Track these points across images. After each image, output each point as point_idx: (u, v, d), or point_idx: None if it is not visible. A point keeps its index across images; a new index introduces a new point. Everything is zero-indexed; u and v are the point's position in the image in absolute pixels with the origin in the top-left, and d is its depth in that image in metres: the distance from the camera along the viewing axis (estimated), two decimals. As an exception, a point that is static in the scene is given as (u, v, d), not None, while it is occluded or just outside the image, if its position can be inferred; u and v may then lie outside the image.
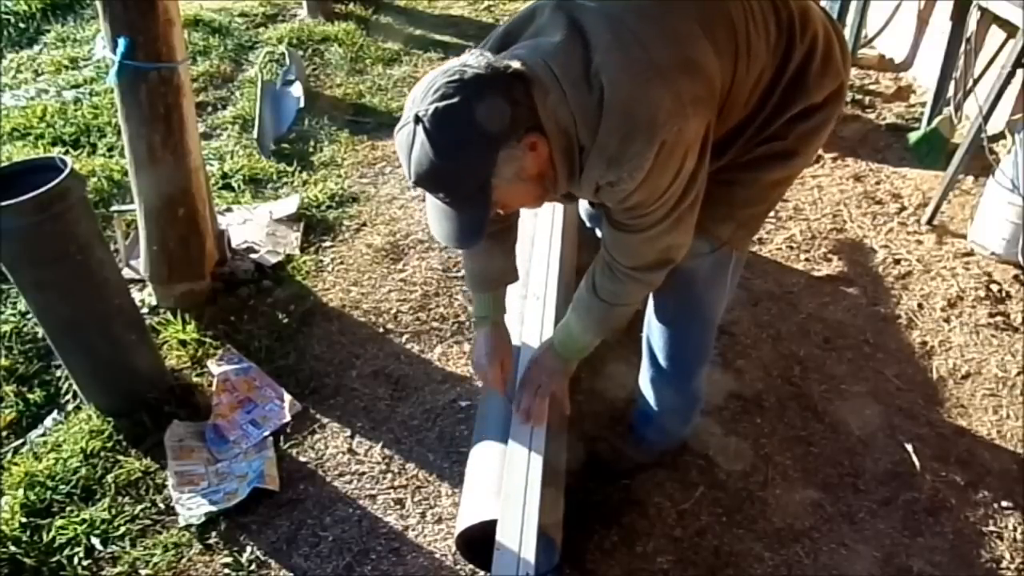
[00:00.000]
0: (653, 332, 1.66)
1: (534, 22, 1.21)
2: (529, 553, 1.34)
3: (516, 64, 1.11)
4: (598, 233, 2.19)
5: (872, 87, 3.61)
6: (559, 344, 1.57)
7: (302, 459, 1.93)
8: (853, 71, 3.64)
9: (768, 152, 1.36)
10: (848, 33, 3.56)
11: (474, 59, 1.11)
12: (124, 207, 2.40)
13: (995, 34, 2.92)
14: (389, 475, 1.89)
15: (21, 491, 1.79)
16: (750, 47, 1.23)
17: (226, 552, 1.71)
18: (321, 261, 2.57)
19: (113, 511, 1.78)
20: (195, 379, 2.12)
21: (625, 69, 1.11)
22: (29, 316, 2.22)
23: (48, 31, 4.15)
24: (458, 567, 1.68)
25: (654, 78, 1.11)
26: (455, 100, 1.06)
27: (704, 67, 1.17)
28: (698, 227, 1.35)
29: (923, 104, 3.31)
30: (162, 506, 1.80)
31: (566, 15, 1.15)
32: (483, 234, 1.17)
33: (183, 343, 2.20)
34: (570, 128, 1.14)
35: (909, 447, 1.94)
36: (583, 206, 2.23)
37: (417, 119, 1.07)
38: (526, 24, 1.22)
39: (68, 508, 1.78)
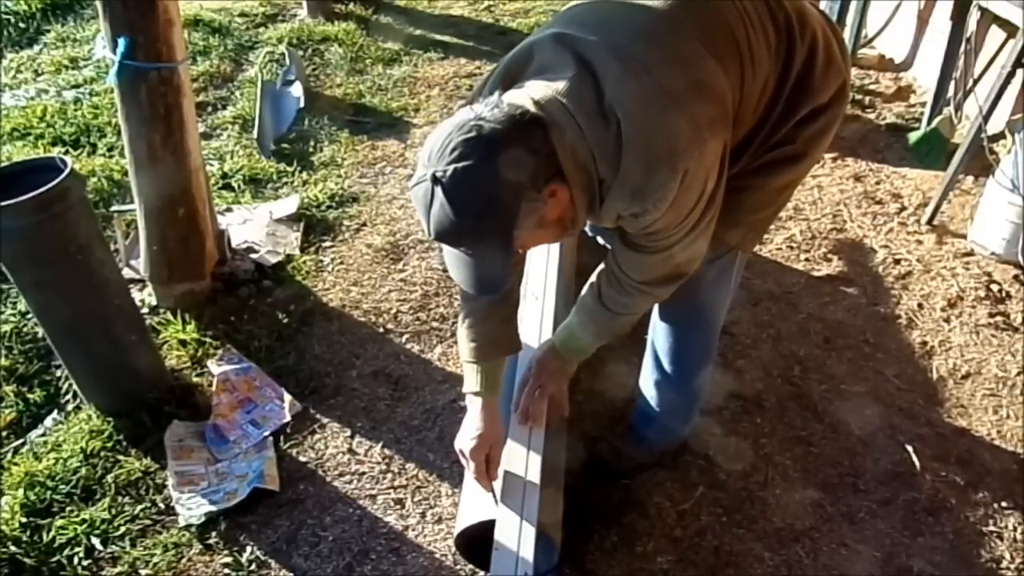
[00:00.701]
0: (658, 334, 1.65)
1: (534, 59, 1.18)
2: (528, 553, 1.34)
3: (531, 108, 1.09)
4: (600, 240, 2.19)
5: (872, 87, 3.61)
6: (560, 345, 1.57)
7: (302, 459, 1.93)
8: (853, 71, 3.64)
9: (777, 157, 1.35)
10: (848, 33, 3.56)
11: (488, 111, 1.07)
12: (124, 207, 2.40)
13: (995, 34, 2.92)
14: (389, 475, 1.89)
15: (21, 491, 1.79)
16: (753, 55, 1.22)
17: (226, 552, 1.71)
18: (321, 261, 2.57)
19: (113, 511, 1.78)
20: (195, 379, 2.12)
21: (638, 99, 1.09)
22: (29, 316, 2.22)
23: (48, 31, 4.15)
24: (458, 567, 1.68)
25: (668, 105, 1.10)
26: (472, 162, 1.02)
27: (714, 86, 1.16)
28: None
29: (923, 104, 3.30)
30: (162, 506, 1.80)
31: (570, 50, 1.13)
32: (507, 281, 1.16)
33: (183, 343, 2.20)
34: (589, 164, 1.12)
35: (909, 447, 1.94)
36: None
37: (435, 179, 1.04)
38: (526, 62, 1.19)
39: (68, 508, 1.78)
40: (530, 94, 1.11)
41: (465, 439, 1.45)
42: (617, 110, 1.08)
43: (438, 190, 1.04)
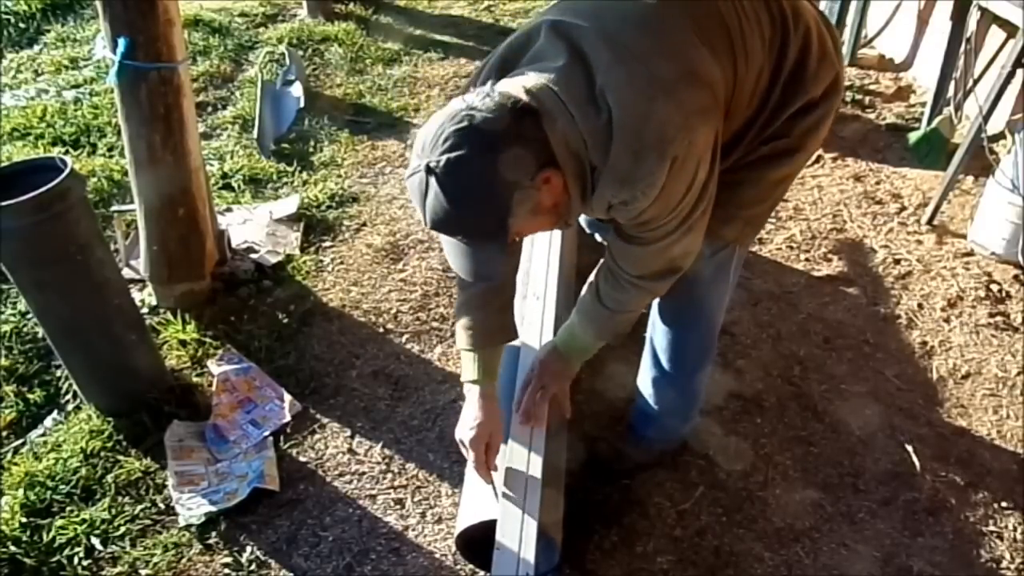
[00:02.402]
0: (657, 333, 1.66)
1: (529, 47, 1.19)
2: (529, 553, 1.34)
3: (523, 96, 1.09)
4: (598, 238, 2.19)
5: (872, 87, 3.61)
6: (562, 345, 1.57)
7: (302, 459, 1.92)
8: (853, 71, 3.65)
9: (772, 151, 1.36)
10: (848, 33, 3.56)
11: (480, 100, 1.07)
12: (124, 207, 2.40)
13: (995, 34, 2.92)
14: (389, 475, 1.89)
15: (21, 491, 1.79)
16: (746, 46, 1.23)
17: (226, 552, 1.71)
18: (321, 261, 2.57)
19: (113, 511, 1.78)
20: (195, 379, 2.12)
21: (629, 87, 1.10)
22: (29, 316, 2.22)
23: (48, 31, 4.15)
24: (458, 567, 1.68)
25: (658, 93, 1.10)
26: (464, 151, 1.03)
27: (705, 76, 1.16)
28: (705, 231, 1.35)
29: (923, 104, 3.30)
30: (162, 506, 1.80)
31: (563, 38, 1.14)
32: (502, 267, 1.18)
33: (183, 343, 2.20)
34: (581, 151, 1.12)
35: (909, 447, 1.94)
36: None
37: (429, 170, 1.04)
38: (521, 51, 1.20)
39: (68, 508, 1.78)
40: (522, 82, 1.12)
41: (464, 429, 1.46)
42: (608, 97, 1.09)
43: (432, 180, 1.04)
